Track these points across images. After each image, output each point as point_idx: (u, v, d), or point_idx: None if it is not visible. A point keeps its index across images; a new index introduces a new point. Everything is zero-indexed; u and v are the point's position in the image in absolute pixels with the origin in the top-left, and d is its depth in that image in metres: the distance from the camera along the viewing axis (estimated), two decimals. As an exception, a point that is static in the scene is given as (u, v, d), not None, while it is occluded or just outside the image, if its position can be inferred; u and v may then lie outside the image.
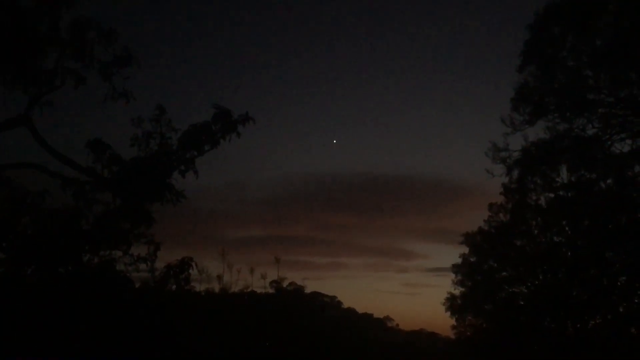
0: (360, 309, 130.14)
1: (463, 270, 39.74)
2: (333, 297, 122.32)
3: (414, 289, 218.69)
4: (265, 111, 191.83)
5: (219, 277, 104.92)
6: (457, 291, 40.88)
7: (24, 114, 11.30)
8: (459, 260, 40.00)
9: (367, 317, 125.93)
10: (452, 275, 40.84)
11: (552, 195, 29.74)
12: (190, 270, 13.84)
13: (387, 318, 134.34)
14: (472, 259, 38.78)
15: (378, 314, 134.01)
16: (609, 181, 24.01)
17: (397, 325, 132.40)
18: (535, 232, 33.81)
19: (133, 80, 12.15)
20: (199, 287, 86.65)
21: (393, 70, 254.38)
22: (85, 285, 12.65)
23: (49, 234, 11.97)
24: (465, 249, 39.23)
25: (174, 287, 14.45)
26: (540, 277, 34.04)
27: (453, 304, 41.21)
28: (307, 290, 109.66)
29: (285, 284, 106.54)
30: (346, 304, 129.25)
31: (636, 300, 29.10)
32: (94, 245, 12.20)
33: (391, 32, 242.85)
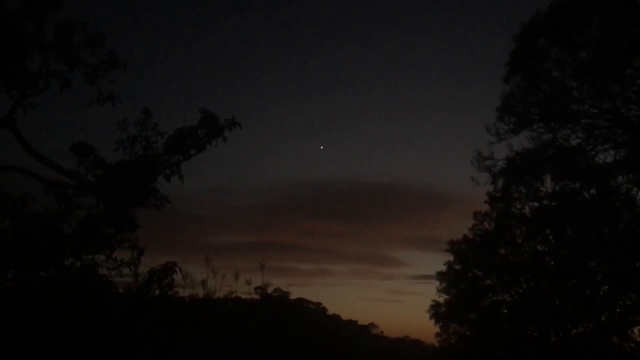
0: (345, 316, 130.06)
1: (447, 278, 39.87)
2: (318, 304, 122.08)
3: (399, 296, 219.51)
4: (251, 117, 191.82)
5: (204, 283, 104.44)
6: (441, 299, 41.04)
7: (7, 116, 11.18)
8: (444, 268, 40.15)
9: (352, 324, 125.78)
10: (437, 283, 41.01)
11: (536, 204, 30.08)
12: (174, 276, 13.72)
13: (372, 325, 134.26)
14: (456, 267, 38.92)
15: (363, 320, 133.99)
16: (592, 191, 24.31)
17: (382, 332, 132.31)
18: (520, 240, 34.05)
19: (119, 84, 12.09)
20: (183, 293, 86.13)
21: (380, 78, 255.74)
22: (67, 289, 12.53)
23: (30, 237, 11.84)
24: (450, 257, 39.41)
25: (157, 292, 14.34)
26: (524, 286, 34.26)
27: (437, 312, 41.30)
28: (292, 297, 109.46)
29: (270, 290, 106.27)
30: (331, 310, 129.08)
31: (618, 310, 29.37)
32: (76, 250, 12.07)
33: (378, 40, 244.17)
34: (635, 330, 28.88)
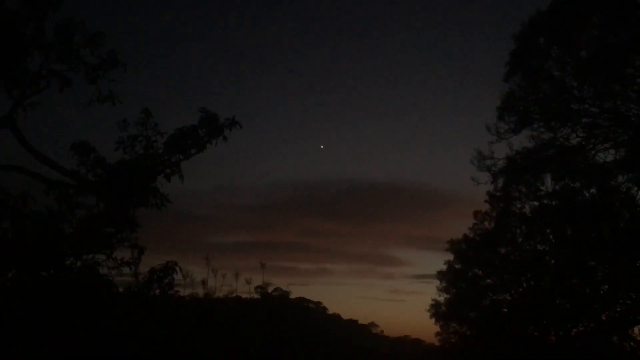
0: (345, 315, 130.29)
1: (448, 277, 39.92)
2: (318, 303, 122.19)
3: (399, 295, 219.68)
4: (252, 116, 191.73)
5: (204, 282, 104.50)
6: (441, 298, 41.14)
7: (7, 116, 11.18)
8: (444, 267, 40.24)
9: (352, 323, 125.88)
10: (437, 282, 41.07)
11: (536, 203, 30.06)
12: (175, 275, 13.71)
13: (372, 324, 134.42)
14: (457, 266, 38.95)
15: (363, 320, 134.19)
16: (592, 190, 24.30)
17: (382, 331, 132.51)
18: (520, 240, 34.04)
19: (119, 83, 12.09)
20: (183, 292, 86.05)
21: (380, 78, 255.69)
22: (67, 289, 12.52)
23: (30, 237, 11.83)
24: (450, 256, 39.48)
25: (157, 291, 14.34)
26: (524, 285, 34.25)
27: (437, 311, 41.38)
28: (292, 296, 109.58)
29: (270, 289, 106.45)
30: (331, 310, 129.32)
31: (618, 309, 29.35)
32: (77, 249, 12.05)
33: (378, 41, 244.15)
34: (636, 329, 28.89)
